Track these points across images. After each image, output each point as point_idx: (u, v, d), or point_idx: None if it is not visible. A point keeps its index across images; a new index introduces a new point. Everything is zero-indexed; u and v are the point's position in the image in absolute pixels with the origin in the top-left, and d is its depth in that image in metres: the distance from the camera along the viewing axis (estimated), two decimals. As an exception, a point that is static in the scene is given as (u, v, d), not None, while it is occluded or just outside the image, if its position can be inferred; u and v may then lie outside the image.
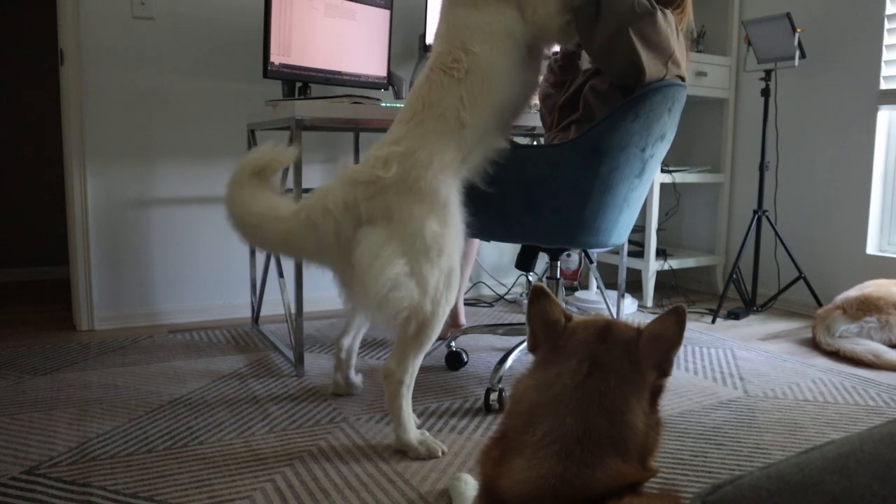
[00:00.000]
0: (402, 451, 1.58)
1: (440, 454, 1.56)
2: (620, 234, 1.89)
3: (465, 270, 2.53)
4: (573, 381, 0.91)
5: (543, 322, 0.98)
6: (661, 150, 1.86)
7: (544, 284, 1.01)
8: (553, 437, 0.88)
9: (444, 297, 1.56)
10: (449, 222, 1.57)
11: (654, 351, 0.94)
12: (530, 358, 1.02)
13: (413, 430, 1.59)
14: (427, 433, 1.62)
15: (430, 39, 2.91)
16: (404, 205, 1.53)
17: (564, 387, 0.91)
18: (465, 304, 3.22)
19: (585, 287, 3.56)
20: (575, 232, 1.79)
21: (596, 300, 3.19)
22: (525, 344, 1.48)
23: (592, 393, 0.90)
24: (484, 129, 1.63)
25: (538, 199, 1.76)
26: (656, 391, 0.95)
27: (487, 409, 1.86)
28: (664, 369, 0.95)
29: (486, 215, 1.82)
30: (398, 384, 1.56)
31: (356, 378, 1.99)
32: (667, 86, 1.74)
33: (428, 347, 1.58)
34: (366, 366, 2.25)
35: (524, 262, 2.05)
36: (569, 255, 3.47)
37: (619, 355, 0.93)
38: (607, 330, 0.96)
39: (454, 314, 2.57)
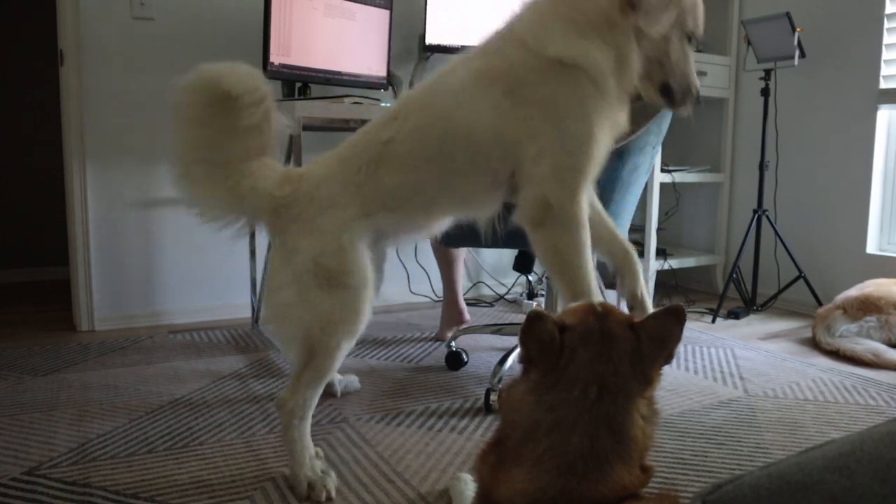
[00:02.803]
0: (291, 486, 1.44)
1: (323, 500, 1.38)
2: (625, 229, 1.97)
3: (457, 266, 2.51)
4: (580, 406, 0.89)
5: (539, 344, 0.94)
6: (661, 144, 1.99)
7: (541, 308, 0.96)
8: (555, 452, 0.87)
9: (338, 330, 1.41)
10: (347, 266, 1.42)
11: (659, 353, 0.94)
12: None
13: (305, 465, 1.42)
14: (330, 475, 1.45)
15: (429, 39, 2.91)
16: (293, 235, 1.45)
17: (570, 411, 0.89)
18: (467, 305, 3.22)
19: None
20: None
21: (596, 300, 3.19)
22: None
23: (601, 417, 0.88)
24: (385, 201, 1.45)
25: None
26: (656, 383, 0.95)
27: (487, 409, 1.86)
28: (668, 361, 0.95)
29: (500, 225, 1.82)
30: (289, 415, 1.42)
31: (337, 378, 1.96)
32: None
33: (323, 380, 1.44)
34: (366, 366, 2.25)
35: (522, 264, 2.05)
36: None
37: (626, 371, 0.91)
38: (610, 343, 0.92)
39: (458, 311, 2.56)
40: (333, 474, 1.44)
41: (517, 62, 1.35)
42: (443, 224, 1.58)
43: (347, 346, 1.44)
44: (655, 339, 0.93)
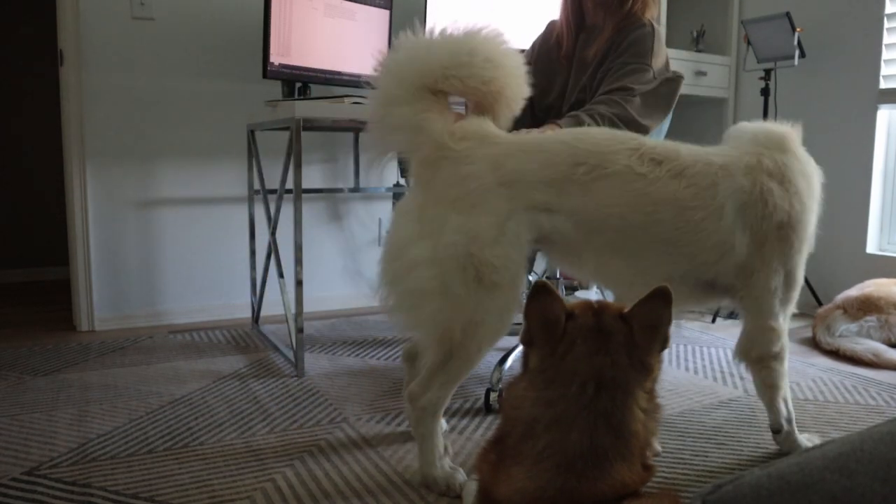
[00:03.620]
0: (426, 485, 1.40)
1: (458, 491, 1.36)
2: None
3: None
4: (579, 402, 0.88)
5: (542, 320, 0.93)
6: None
7: (547, 281, 0.95)
8: (554, 450, 0.87)
9: (481, 333, 1.29)
10: (501, 261, 1.27)
11: (653, 339, 0.94)
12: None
13: (435, 464, 1.39)
14: (458, 471, 1.41)
15: (429, 39, 2.91)
16: (447, 201, 1.28)
17: (568, 407, 0.88)
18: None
19: (585, 287, 3.56)
20: None
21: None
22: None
23: (599, 413, 0.88)
24: (575, 217, 1.35)
25: None
26: (656, 372, 0.95)
27: (487, 409, 1.86)
28: (664, 346, 0.95)
29: None
30: (421, 411, 1.35)
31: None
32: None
33: (459, 381, 1.35)
34: (366, 366, 2.25)
35: None
36: (569, 255, 3.47)
37: (624, 364, 0.91)
38: (606, 337, 0.92)
39: None
40: (462, 472, 1.40)
41: None
42: (589, 278, 1.49)
43: (488, 350, 1.35)
44: (648, 326, 0.93)
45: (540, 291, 0.94)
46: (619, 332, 0.93)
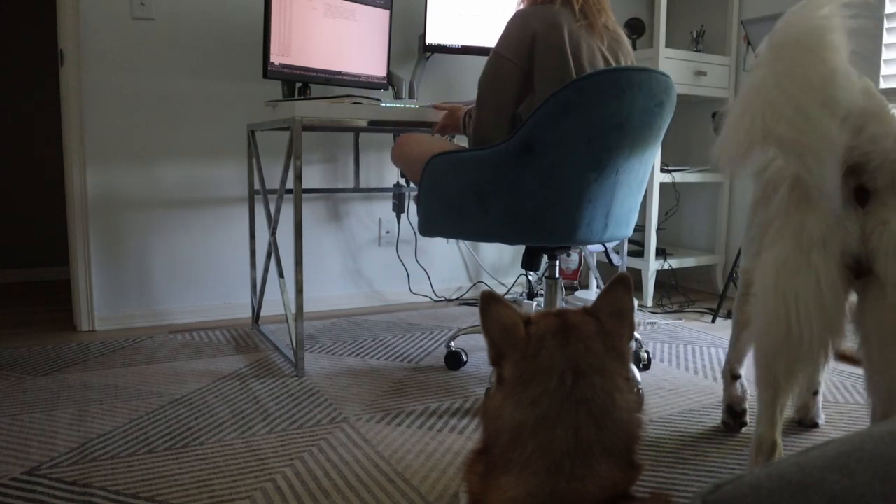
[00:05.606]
0: None
1: None
2: (591, 231, 1.83)
3: None
4: (560, 395, 0.88)
5: (502, 328, 0.94)
6: (621, 140, 1.71)
7: (492, 290, 0.95)
8: (542, 452, 0.86)
9: None
10: None
11: (621, 326, 0.95)
12: None
13: None
14: None
15: (429, 39, 2.91)
16: None
17: (552, 403, 0.88)
18: (466, 305, 3.22)
19: (585, 287, 3.56)
20: (529, 229, 1.79)
21: (596, 300, 3.19)
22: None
23: (581, 402, 0.87)
24: None
25: (488, 198, 1.79)
26: (629, 359, 0.96)
27: (488, 408, 1.86)
28: (632, 332, 0.97)
29: (447, 214, 1.86)
30: None
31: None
32: (610, 71, 1.64)
33: None
34: (366, 366, 2.25)
35: (529, 262, 2.06)
36: (568, 255, 3.47)
37: (598, 350, 0.91)
38: (575, 328, 0.93)
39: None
40: None
41: None
42: None
43: None
44: (614, 314, 0.95)
45: (489, 301, 0.94)
46: (588, 322, 0.95)
